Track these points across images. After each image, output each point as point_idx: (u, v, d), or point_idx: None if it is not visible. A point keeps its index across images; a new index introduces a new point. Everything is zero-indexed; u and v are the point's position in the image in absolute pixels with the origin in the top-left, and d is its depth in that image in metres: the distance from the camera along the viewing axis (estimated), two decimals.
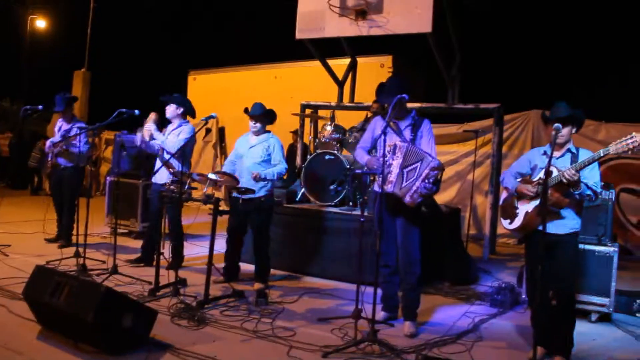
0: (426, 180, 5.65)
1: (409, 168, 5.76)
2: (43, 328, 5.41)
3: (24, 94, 26.46)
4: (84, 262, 7.48)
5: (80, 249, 7.65)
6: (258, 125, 7.45)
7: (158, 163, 8.02)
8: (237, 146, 7.67)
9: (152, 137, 7.86)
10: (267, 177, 7.22)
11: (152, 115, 7.97)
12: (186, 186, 6.86)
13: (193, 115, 8.21)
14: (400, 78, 6.33)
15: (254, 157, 7.40)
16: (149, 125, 7.87)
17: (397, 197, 5.84)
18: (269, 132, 7.58)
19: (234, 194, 7.24)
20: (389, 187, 5.85)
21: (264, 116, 7.45)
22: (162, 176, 7.82)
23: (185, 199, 6.85)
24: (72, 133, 8.86)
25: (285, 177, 9.32)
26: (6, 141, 19.67)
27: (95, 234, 10.14)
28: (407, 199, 5.72)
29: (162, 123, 8.15)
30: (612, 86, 16.91)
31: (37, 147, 17.39)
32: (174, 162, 7.62)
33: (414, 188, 5.69)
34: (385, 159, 5.79)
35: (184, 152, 7.32)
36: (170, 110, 8.00)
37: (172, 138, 7.80)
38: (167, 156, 7.69)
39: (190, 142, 7.61)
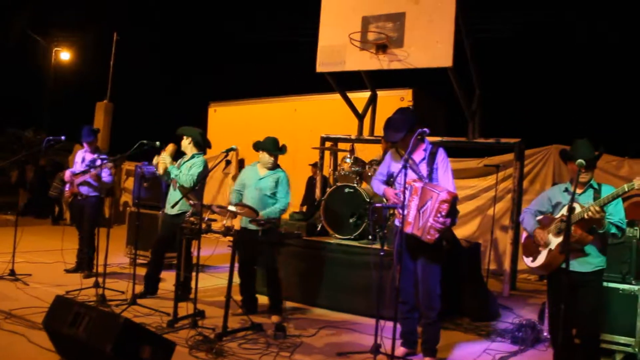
0: (438, 215, 5.61)
1: (424, 208, 5.74)
2: (62, 358, 5.40)
3: (46, 124, 26.75)
4: (103, 292, 7.49)
5: (100, 279, 7.67)
6: (272, 159, 7.51)
7: (170, 194, 8.07)
8: (244, 177, 7.72)
9: (165, 170, 7.91)
10: (270, 216, 7.25)
11: (170, 147, 8.00)
12: (204, 218, 6.86)
13: (203, 148, 8.26)
14: (406, 112, 6.23)
15: (263, 189, 7.44)
16: (165, 158, 7.91)
17: (417, 237, 5.82)
18: (277, 165, 7.66)
19: (255, 227, 7.22)
20: (408, 229, 5.83)
21: (278, 151, 7.53)
22: (172, 208, 7.91)
23: (204, 231, 6.84)
24: (97, 163, 8.90)
25: (304, 209, 9.31)
26: (30, 172, 19.81)
27: (114, 264, 10.17)
28: (425, 237, 5.69)
29: (179, 154, 8.21)
30: (635, 121, 16.81)
31: (58, 177, 17.48)
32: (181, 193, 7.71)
33: (428, 225, 5.66)
34: (402, 197, 5.77)
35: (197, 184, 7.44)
36: (183, 143, 8.10)
37: (184, 171, 7.85)
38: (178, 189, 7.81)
39: (202, 176, 7.72)
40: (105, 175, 8.95)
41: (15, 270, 8.70)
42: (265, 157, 7.53)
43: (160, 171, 7.93)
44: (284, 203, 7.42)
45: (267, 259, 7.48)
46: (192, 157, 8.06)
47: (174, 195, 7.98)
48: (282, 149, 7.56)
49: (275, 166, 7.59)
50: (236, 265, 7.15)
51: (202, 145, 8.23)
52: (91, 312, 5.08)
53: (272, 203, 7.40)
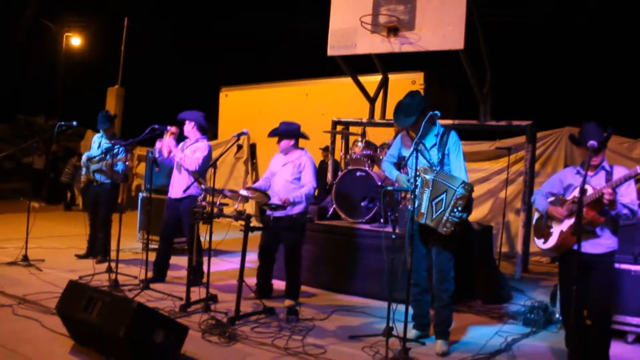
0: (455, 210, 5.59)
1: (437, 200, 5.72)
2: (75, 343, 5.44)
3: (58, 110, 26.79)
4: (116, 277, 7.54)
5: (113, 265, 7.71)
6: (280, 144, 7.50)
7: (174, 178, 8.11)
8: (272, 164, 7.69)
9: (169, 152, 7.93)
10: (295, 200, 7.21)
11: (172, 129, 7.99)
12: (217, 203, 6.88)
13: (206, 132, 8.27)
14: (416, 96, 6.13)
15: (285, 175, 7.40)
16: (169, 141, 7.93)
17: (429, 226, 5.82)
18: (302, 149, 7.58)
19: (267, 211, 7.23)
20: (421, 220, 5.83)
21: (284, 135, 7.48)
22: (176, 191, 7.95)
23: (216, 215, 6.85)
24: (115, 150, 8.87)
25: (316, 194, 9.30)
26: (42, 158, 19.91)
27: (127, 249, 10.22)
28: (441, 230, 5.68)
29: (182, 137, 8.23)
30: None
31: (70, 163, 17.58)
32: (188, 177, 7.80)
33: (444, 219, 5.64)
34: (414, 182, 5.76)
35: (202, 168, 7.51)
36: (186, 127, 8.13)
37: (188, 154, 7.87)
38: (183, 171, 7.89)
39: (207, 159, 7.77)
40: (120, 164, 8.94)
41: (28, 256, 8.76)
42: (283, 143, 7.52)
43: (165, 154, 7.94)
44: (310, 187, 7.34)
45: (292, 245, 7.46)
46: (196, 140, 8.08)
47: (178, 179, 8.01)
48: (288, 133, 7.49)
49: (294, 149, 7.52)
50: (250, 250, 7.15)
51: (205, 128, 8.24)
52: (104, 297, 5.11)
53: (296, 188, 7.36)
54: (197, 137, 8.10)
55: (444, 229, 5.66)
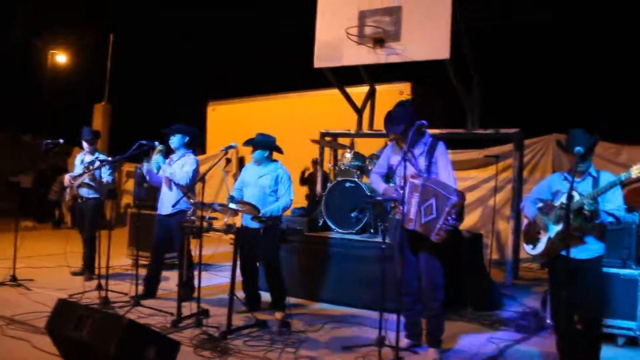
0: (449, 218, 5.62)
1: (426, 204, 5.75)
2: None
3: (45, 128, 26.68)
4: (106, 294, 7.50)
5: (102, 282, 7.67)
6: (253, 154, 7.51)
7: (163, 194, 8.09)
8: (244, 174, 7.69)
9: (159, 169, 7.93)
10: (273, 213, 7.22)
11: (158, 148, 7.98)
12: (206, 217, 6.87)
13: (192, 146, 8.27)
14: (405, 106, 6.25)
15: (263, 187, 7.41)
16: (157, 158, 7.92)
17: (418, 233, 5.83)
18: (276, 161, 7.61)
19: (259, 225, 7.21)
20: (410, 225, 5.85)
21: (259, 145, 7.47)
22: (166, 208, 7.95)
23: (205, 229, 6.84)
24: (95, 164, 8.88)
25: (306, 206, 9.32)
26: (29, 176, 19.82)
27: (116, 266, 10.17)
28: (434, 237, 5.69)
29: (168, 153, 8.22)
30: (634, 108, 16.79)
31: (57, 180, 17.52)
32: (178, 193, 7.78)
33: (437, 227, 5.66)
34: (402, 191, 5.78)
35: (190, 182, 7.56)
36: (172, 141, 8.10)
37: (177, 169, 7.87)
38: (174, 187, 7.87)
39: (196, 173, 7.81)
40: (105, 176, 8.94)
41: (16, 276, 8.69)
42: (256, 153, 7.52)
43: (155, 170, 7.93)
44: (286, 200, 7.38)
45: (268, 256, 7.47)
46: (183, 155, 8.08)
47: (167, 195, 7.99)
48: (263, 144, 7.50)
49: (269, 162, 7.54)
50: (239, 263, 7.15)
51: (191, 142, 8.24)
52: (94, 314, 5.08)
53: (273, 200, 7.39)
54: (184, 152, 8.09)
55: (437, 237, 5.68)
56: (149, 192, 10.19)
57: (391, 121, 6.14)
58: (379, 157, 8.65)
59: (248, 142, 7.53)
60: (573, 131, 5.24)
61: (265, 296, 7.82)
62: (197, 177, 7.77)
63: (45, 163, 19.34)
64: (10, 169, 19.70)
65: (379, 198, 7.12)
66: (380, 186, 6.40)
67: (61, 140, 9.12)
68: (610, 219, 5.03)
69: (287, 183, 7.46)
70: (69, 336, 5.07)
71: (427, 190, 5.77)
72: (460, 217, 5.77)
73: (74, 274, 9.46)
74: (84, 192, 9.17)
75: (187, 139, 8.13)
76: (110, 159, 8.74)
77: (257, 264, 7.75)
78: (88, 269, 9.17)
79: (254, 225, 7.16)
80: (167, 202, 7.92)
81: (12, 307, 7.35)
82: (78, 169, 9.31)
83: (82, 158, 9.44)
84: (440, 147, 6.12)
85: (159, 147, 7.93)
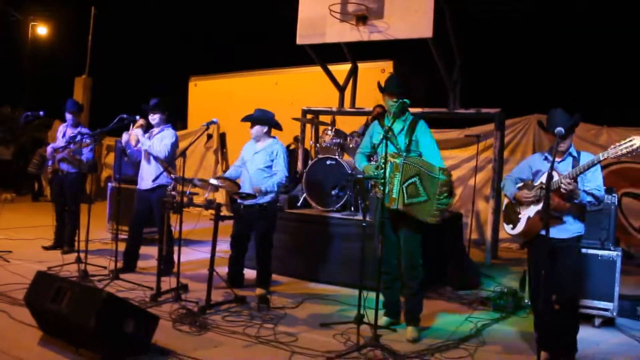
0: (440, 197, 5.65)
1: (407, 183, 5.76)
2: (44, 334, 5.39)
3: (24, 100, 26.38)
4: (86, 268, 7.47)
5: (82, 255, 7.64)
6: (252, 130, 7.49)
7: (143, 169, 8.06)
8: (243, 152, 7.69)
9: (137, 143, 7.88)
10: (267, 189, 7.21)
11: (140, 121, 7.94)
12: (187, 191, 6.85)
13: (171, 120, 8.26)
14: (404, 77, 6.31)
15: (257, 163, 7.40)
16: (137, 131, 7.87)
17: (400, 212, 5.85)
18: (274, 137, 7.59)
19: (238, 200, 7.22)
20: (393, 205, 5.85)
21: (258, 121, 7.47)
22: (146, 182, 7.93)
23: (186, 205, 6.83)
24: (77, 139, 8.81)
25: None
26: (8, 149, 19.66)
27: (96, 240, 10.13)
28: (430, 220, 5.73)
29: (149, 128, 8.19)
30: (614, 90, 16.87)
31: (37, 153, 17.37)
32: (157, 167, 7.77)
33: (433, 209, 5.69)
34: (384, 171, 5.78)
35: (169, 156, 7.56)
36: (151, 117, 8.07)
37: (156, 142, 7.83)
38: (153, 161, 7.84)
39: (175, 147, 7.78)
40: (86, 152, 8.87)
41: None
42: (255, 129, 7.51)
43: (133, 144, 7.89)
44: (282, 176, 7.35)
45: (265, 233, 7.45)
46: (162, 130, 8.04)
47: (147, 170, 7.96)
48: (262, 120, 7.48)
49: (267, 138, 7.53)
50: (221, 240, 7.12)
51: (170, 117, 8.21)
52: (73, 287, 5.06)
53: (268, 176, 7.38)
54: (163, 126, 8.05)
55: (432, 218, 5.71)
56: (129, 167, 10.14)
57: (398, 85, 6.15)
58: (360, 135, 8.70)
59: (247, 118, 7.52)
60: (554, 111, 5.25)
61: (249, 273, 7.83)
62: (177, 151, 7.75)
63: (25, 135, 19.16)
64: None
65: (360, 176, 7.13)
66: (362, 165, 6.42)
67: (41, 113, 9.04)
68: (589, 198, 5.06)
69: (283, 158, 7.44)
70: (47, 308, 5.06)
71: (408, 169, 5.77)
72: (450, 194, 5.81)
73: (46, 248, 9.41)
74: (64, 166, 9.12)
75: (166, 113, 8.09)
76: (90, 133, 8.67)
77: (247, 243, 7.73)
78: (68, 242, 9.11)
79: (249, 202, 7.17)
80: (147, 176, 7.89)
81: None
82: (60, 141, 9.24)
83: (64, 131, 9.37)
84: (421, 125, 6.14)
85: (139, 121, 7.88)
